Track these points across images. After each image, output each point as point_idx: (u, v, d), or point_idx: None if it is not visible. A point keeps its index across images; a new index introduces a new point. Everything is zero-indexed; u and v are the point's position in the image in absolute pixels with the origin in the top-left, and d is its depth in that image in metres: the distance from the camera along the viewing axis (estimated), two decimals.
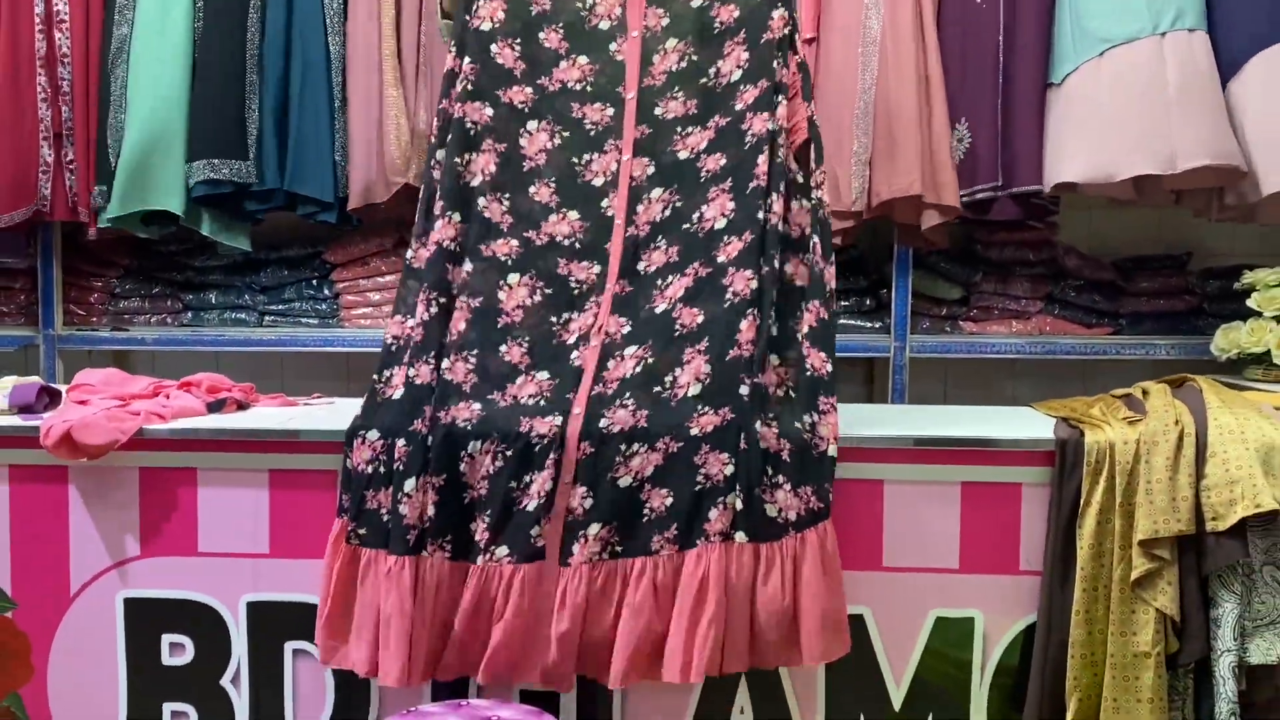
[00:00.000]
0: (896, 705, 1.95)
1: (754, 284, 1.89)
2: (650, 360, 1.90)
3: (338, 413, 2.13)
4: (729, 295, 1.90)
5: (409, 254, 2.04)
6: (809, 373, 1.91)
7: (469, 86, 2.04)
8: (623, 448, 1.82)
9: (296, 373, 3.57)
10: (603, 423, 1.83)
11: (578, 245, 2.02)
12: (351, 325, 3.24)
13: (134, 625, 2.02)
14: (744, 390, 1.83)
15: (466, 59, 2.06)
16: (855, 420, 1.99)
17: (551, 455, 1.81)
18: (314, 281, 3.29)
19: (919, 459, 1.93)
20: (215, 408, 2.14)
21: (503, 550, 1.82)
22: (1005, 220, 2.97)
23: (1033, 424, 2.03)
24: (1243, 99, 2.67)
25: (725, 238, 1.96)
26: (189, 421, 2.04)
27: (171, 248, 3.33)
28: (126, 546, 2.02)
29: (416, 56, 2.97)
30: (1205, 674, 1.82)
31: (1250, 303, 2.80)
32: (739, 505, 1.79)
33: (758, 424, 1.81)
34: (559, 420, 1.84)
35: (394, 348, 1.98)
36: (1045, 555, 1.89)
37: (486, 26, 2.07)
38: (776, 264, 1.91)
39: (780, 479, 1.82)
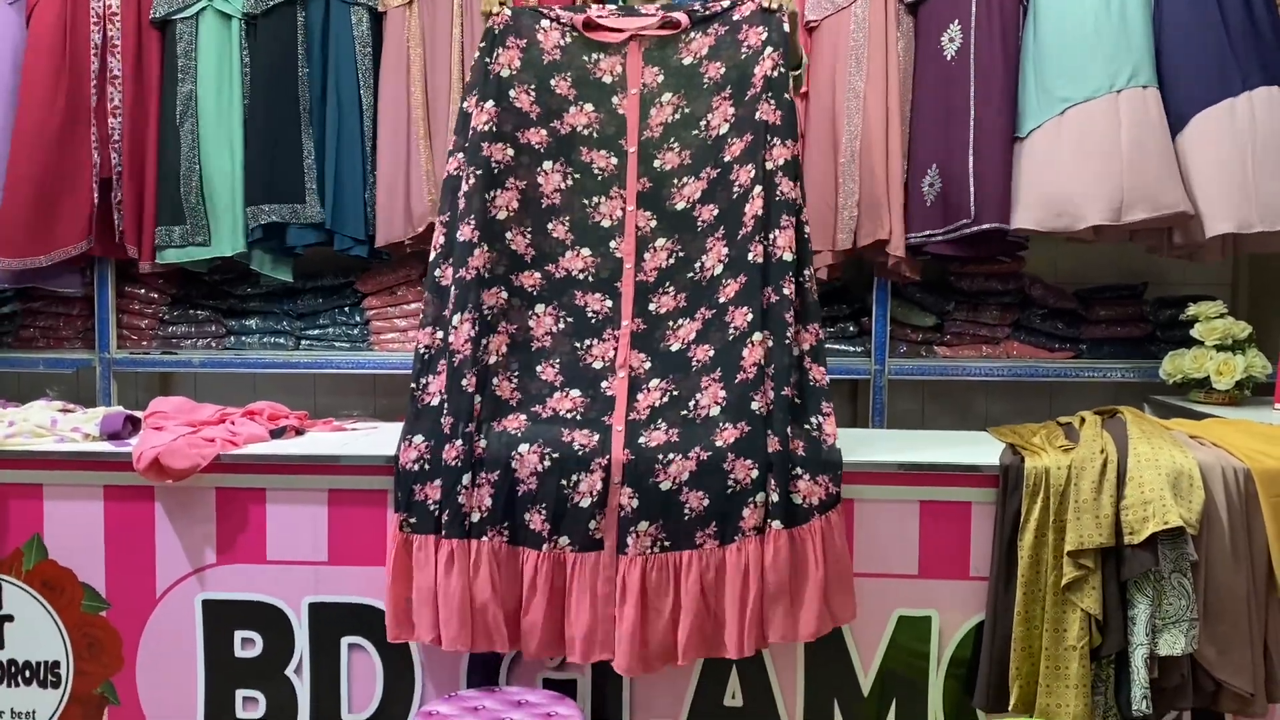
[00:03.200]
0: (865, 691, 2.25)
1: (750, 317, 2.17)
2: (675, 392, 2.19)
3: (384, 437, 2.43)
4: (731, 330, 2.19)
5: (436, 271, 2.27)
6: (813, 384, 2.20)
7: (493, 128, 2.26)
8: (660, 458, 2.12)
9: (328, 391, 3.85)
10: (641, 439, 2.14)
11: (590, 279, 2.29)
12: (380, 349, 3.50)
13: (211, 623, 2.29)
14: (755, 406, 2.13)
15: (490, 102, 2.28)
16: None
17: (597, 460, 2.11)
18: (346, 309, 3.56)
19: (884, 481, 2.22)
20: (277, 434, 2.43)
21: (564, 540, 2.13)
22: (975, 254, 3.26)
23: (984, 449, 2.32)
24: (1185, 153, 2.91)
25: (724, 281, 2.23)
26: (258, 447, 2.33)
27: (215, 277, 3.59)
28: (205, 555, 2.29)
29: (448, 108, 3.20)
30: (1123, 664, 2.10)
31: (1194, 333, 3.06)
32: (775, 498, 2.09)
33: (788, 427, 2.11)
34: (596, 437, 2.14)
35: (426, 356, 2.25)
36: (991, 563, 2.19)
37: (505, 73, 2.30)
38: (785, 292, 2.16)
39: (799, 471, 2.12)
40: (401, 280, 3.52)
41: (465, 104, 2.33)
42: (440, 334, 2.25)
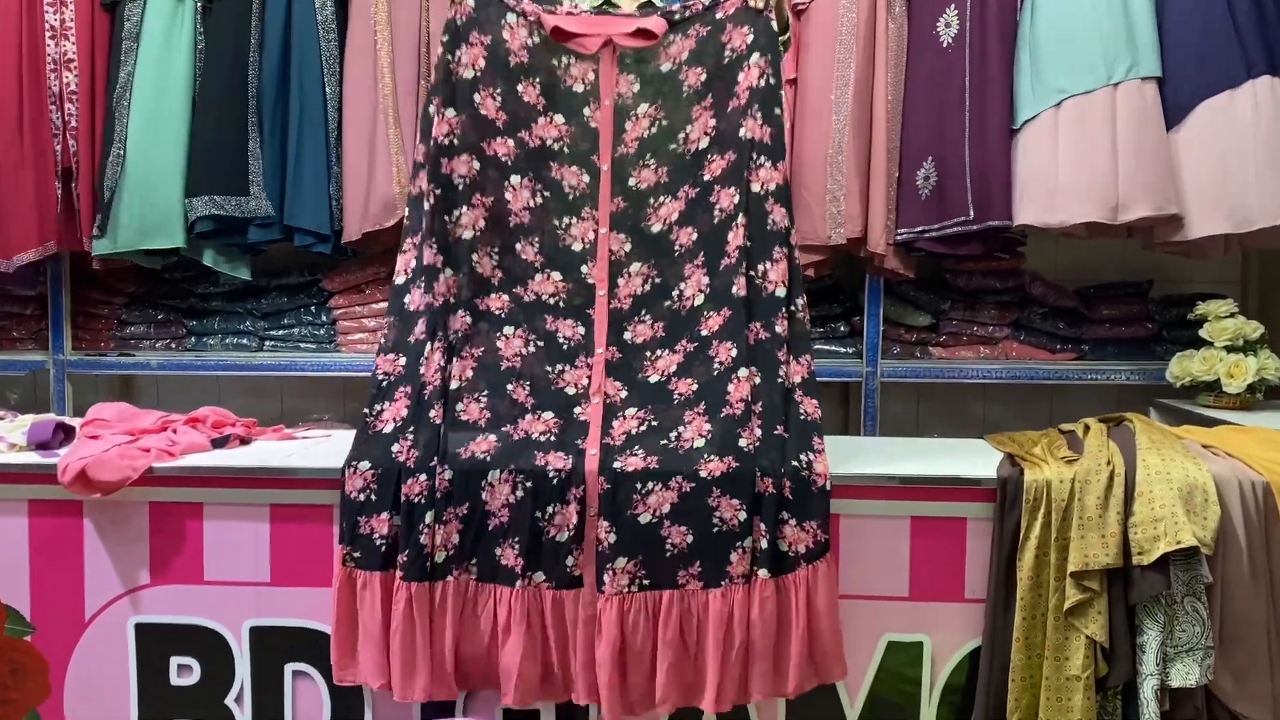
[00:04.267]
0: None
1: (734, 352, 2.03)
2: (654, 421, 2.03)
3: (333, 448, 2.26)
4: (716, 364, 2.04)
5: (405, 297, 2.11)
6: (803, 418, 2.04)
7: (454, 141, 2.10)
8: (639, 486, 1.95)
9: (295, 395, 3.70)
10: (616, 464, 1.97)
11: (561, 304, 2.13)
12: (348, 350, 3.36)
13: (144, 648, 2.14)
14: (743, 443, 1.97)
15: (451, 110, 2.10)
16: None
17: (572, 489, 1.95)
18: (312, 308, 3.41)
19: (872, 495, 2.06)
20: (220, 444, 2.27)
21: (540, 576, 1.96)
22: (970, 251, 3.10)
23: (980, 459, 2.16)
24: (1184, 147, 2.78)
25: (705, 313, 2.08)
26: (196, 458, 2.17)
27: (175, 275, 3.45)
28: (137, 575, 2.14)
29: (415, 94, 3.06)
30: (1132, 696, 1.93)
31: (1202, 333, 2.92)
32: (764, 545, 1.94)
33: (780, 467, 1.96)
34: (570, 460, 1.97)
35: (384, 383, 2.09)
36: (988, 584, 2.02)
37: (469, 74, 2.12)
38: (777, 329, 2.03)
39: (785, 515, 1.96)
40: (370, 278, 3.38)
41: (431, 106, 2.15)
42: (403, 360, 2.09)
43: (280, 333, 3.42)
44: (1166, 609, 1.92)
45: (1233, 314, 2.93)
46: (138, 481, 2.08)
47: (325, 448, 2.30)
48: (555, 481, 1.96)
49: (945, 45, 2.96)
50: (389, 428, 2.04)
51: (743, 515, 1.94)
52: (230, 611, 2.13)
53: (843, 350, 3.30)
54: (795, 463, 1.99)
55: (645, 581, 1.95)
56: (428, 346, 2.05)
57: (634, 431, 2.03)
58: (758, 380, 2.02)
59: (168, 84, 3.10)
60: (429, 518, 1.96)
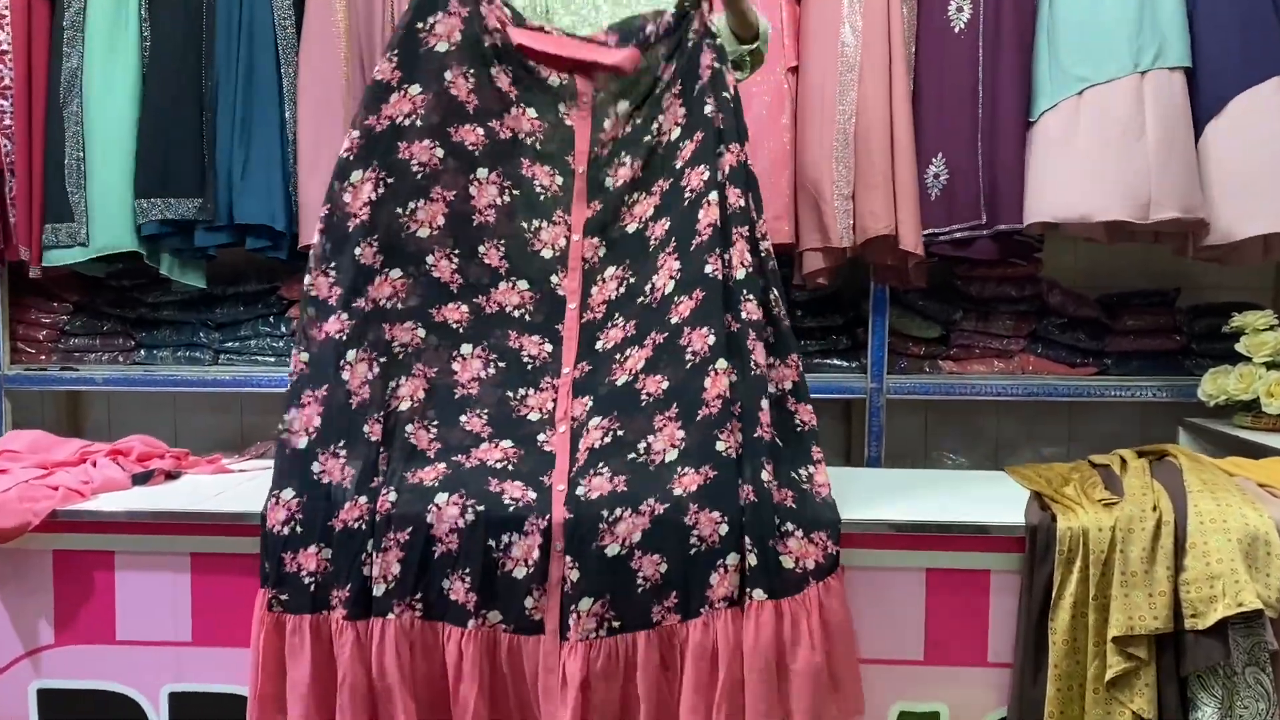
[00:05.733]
0: None
1: (711, 339, 1.78)
2: (619, 431, 1.80)
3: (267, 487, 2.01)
4: (689, 355, 1.80)
5: (311, 288, 1.82)
6: (799, 427, 1.84)
7: (416, 122, 1.86)
8: (605, 514, 1.71)
9: (255, 410, 3.46)
10: (580, 490, 1.73)
11: (527, 318, 1.92)
12: None
13: (48, 717, 1.91)
14: (721, 446, 1.73)
15: (416, 87, 1.87)
16: None
17: (532, 519, 1.72)
18: (270, 318, 3.19)
19: (882, 544, 1.81)
20: (142, 480, 2.02)
21: (495, 616, 1.73)
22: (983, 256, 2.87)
23: (1005, 499, 1.91)
24: (1222, 140, 2.58)
25: (676, 298, 1.84)
26: (108, 499, 1.93)
27: (124, 283, 3.23)
28: (40, 634, 1.91)
29: None
30: None
31: (1239, 347, 2.72)
32: (754, 562, 1.69)
33: (762, 473, 1.72)
34: (533, 494, 1.75)
35: (294, 381, 1.82)
36: (1016, 647, 1.77)
37: (442, 47, 1.89)
38: (744, 316, 1.80)
39: (790, 527, 1.73)
40: None
41: (381, 72, 1.88)
42: (305, 357, 1.82)
43: (236, 344, 3.19)
44: (1225, 681, 1.67)
45: (1272, 326, 2.71)
46: (40, 527, 1.84)
47: (261, 484, 2.04)
48: (511, 510, 1.73)
49: (957, 31, 2.76)
50: (302, 441, 1.80)
51: (724, 529, 1.70)
52: (146, 675, 1.90)
53: (845, 365, 3.07)
54: (795, 475, 1.78)
55: (615, 624, 1.71)
56: (352, 353, 1.80)
57: (597, 445, 1.80)
58: (734, 377, 1.78)
59: (115, 77, 2.90)
60: (369, 546, 1.74)
